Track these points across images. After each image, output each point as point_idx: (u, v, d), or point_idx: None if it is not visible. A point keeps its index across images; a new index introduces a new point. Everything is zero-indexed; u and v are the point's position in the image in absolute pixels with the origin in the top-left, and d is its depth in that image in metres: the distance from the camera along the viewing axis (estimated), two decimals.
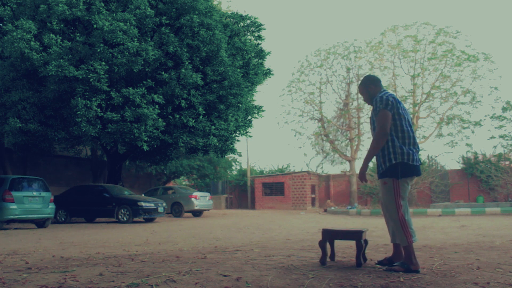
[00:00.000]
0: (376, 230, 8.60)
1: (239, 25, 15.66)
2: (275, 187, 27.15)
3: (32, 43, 11.71)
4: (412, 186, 18.41)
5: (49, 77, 11.87)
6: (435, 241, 6.09)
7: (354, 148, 26.15)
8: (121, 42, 11.95)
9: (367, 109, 26.14)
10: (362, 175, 3.73)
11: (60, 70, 11.50)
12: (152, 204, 13.89)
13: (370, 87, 3.83)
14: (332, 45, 27.86)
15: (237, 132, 15.71)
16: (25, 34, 11.60)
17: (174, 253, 5.04)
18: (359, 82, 3.88)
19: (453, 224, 9.94)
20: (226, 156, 21.11)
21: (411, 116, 24.31)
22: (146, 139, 12.58)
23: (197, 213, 18.49)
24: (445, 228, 8.76)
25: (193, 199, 17.61)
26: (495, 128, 22.74)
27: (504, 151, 22.82)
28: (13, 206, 10.78)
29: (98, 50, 11.88)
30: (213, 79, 13.75)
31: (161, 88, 12.93)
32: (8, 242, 7.44)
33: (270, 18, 67.35)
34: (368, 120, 26.36)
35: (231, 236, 7.95)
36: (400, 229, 3.51)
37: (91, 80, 11.69)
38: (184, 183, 29.31)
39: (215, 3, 17.27)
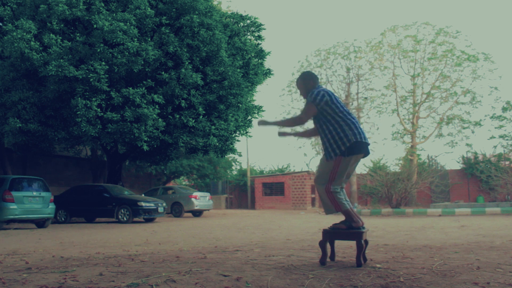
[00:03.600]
0: (376, 230, 8.60)
1: (239, 25, 15.65)
2: (275, 187, 27.15)
3: (32, 43, 11.71)
4: (412, 186, 18.41)
5: (49, 77, 11.87)
6: (435, 241, 6.09)
7: None
8: (121, 42, 11.94)
9: (367, 109, 26.17)
10: (262, 122, 3.86)
11: (60, 70, 11.50)
12: (152, 204, 13.88)
13: (309, 82, 3.92)
14: (332, 45, 27.89)
15: (237, 132, 15.71)
16: (25, 34, 11.60)
17: (174, 253, 5.04)
18: (299, 76, 3.97)
19: (453, 224, 9.94)
20: (226, 156, 21.11)
21: (411, 116, 24.42)
22: (146, 139, 12.58)
23: (197, 213, 18.48)
24: (445, 228, 8.76)
25: (193, 199, 17.60)
26: (495, 128, 22.78)
27: (504, 151, 22.84)
28: (13, 206, 10.78)
29: (98, 50, 11.88)
30: (213, 79, 13.75)
31: (161, 88, 12.93)
32: (8, 242, 7.44)
33: (270, 18, 67.38)
34: (367, 120, 26.43)
35: (231, 236, 7.95)
36: (328, 200, 3.69)
37: (91, 80, 11.69)
38: (184, 183, 29.31)
39: (215, 3, 17.28)
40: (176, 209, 17.70)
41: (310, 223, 12.12)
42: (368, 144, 3.76)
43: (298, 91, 4.07)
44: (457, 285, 2.94)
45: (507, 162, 22.35)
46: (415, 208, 17.40)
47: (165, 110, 13.37)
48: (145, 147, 12.79)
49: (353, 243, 5.24)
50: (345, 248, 5.10)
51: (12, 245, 6.73)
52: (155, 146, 13.68)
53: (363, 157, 3.79)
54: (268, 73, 16.52)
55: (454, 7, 58.57)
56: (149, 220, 14.42)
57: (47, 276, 3.53)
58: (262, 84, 16.46)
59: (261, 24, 15.73)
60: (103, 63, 11.88)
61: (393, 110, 25.03)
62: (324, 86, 3.83)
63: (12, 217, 10.83)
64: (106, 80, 12.02)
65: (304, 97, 3.96)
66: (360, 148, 3.67)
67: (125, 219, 13.50)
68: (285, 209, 25.47)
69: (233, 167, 29.45)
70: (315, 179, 3.84)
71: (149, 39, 12.90)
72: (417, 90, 24.50)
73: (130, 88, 12.32)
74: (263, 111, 16.35)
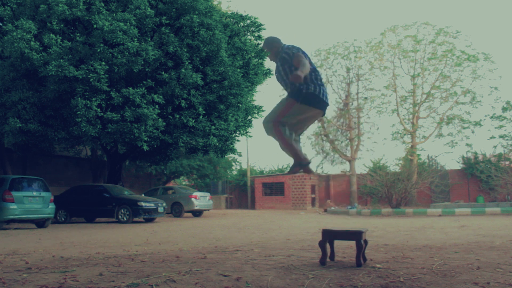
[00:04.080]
0: (376, 230, 8.60)
1: (239, 25, 15.64)
2: (275, 187, 27.15)
3: (32, 43, 11.70)
4: (412, 186, 18.41)
5: (49, 77, 11.86)
6: (435, 241, 6.09)
7: (354, 148, 26.16)
8: (121, 42, 11.94)
9: (367, 109, 26.17)
10: (297, 77, 3.78)
11: (60, 70, 11.50)
12: (152, 204, 13.88)
13: (274, 45, 4.14)
14: (332, 45, 27.91)
15: (237, 132, 15.70)
16: (25, 34, 11.59)
17: (174, 253, 5.04)
18: (264, 43, 4.17)
19: (453, 224, 9.94)
20: (226, 156, 21.13)
21: (411, 116, 24.43)
22: (146, 139, 12.58)
23: (197, 213, 18.48)
24: (445, 228, 8.76)
25: (193, 199, 17.60)
26: (495, 128, 22.78)
27: (504, 151, 22.84)
28: (13, 206, 10.78)
29: (98, 50, 11.88)
30: (213, 79, 13.75)
31: (161, 88, 12.93)
32: (8, 242, 7.44)
33: (270, 18, 67.36)
34: (367, 120, 26.43)
35: (231, 236, 7.95)
36: (275, 136, 3.85)
37: (91, 80, 11.68)
38: (184, 183, 29.29)
39: (215, 3, 17.26)
40: (176, 209, 17.69)
41: (310, 223, 12.12)
42: (327, 104, 3.95)
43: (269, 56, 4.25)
44: (457, 285, 2.94)
45: (507, 162, 22.34)
46: (415, 208, 17.40)
47: (165, 110, 13.36)
48: (145, 147, 12.79)
49: (353, 243, 5.24)
50: (345, 248, 5.11)
51: (12, 245, 6.73)
52: (155, 146, 13.68)
53: (321, 115, 4.01)
54: (268, 73, 16.50)
55: (454, 7, 58.58)
56: (149, 220, 14.42)
57: (47, 276, 3.53)
58: (262, 84, 16.45)
59: (261, 24, 15.72)
60: (103, 63, 11.88)
61: (393, 110, 25.04)
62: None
63: (12, 217, 10.83)
64: (106, 80, 12.01)
65: (273, 59, 4.15)
66: (315, 101, 3.84)
67: (125, 219, 13.50)
68: (285, 209, 25.47)
69: (233, 167, 29.44)
70: (265, 118, 3.99)
71: (149, 39, 12.89)
72: (417, 90, 24.50)
73: (130, 88, 12.31)
74: (263, 111, 16.34)
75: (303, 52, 3.94)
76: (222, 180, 28.27)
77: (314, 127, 27.34)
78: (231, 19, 15.61)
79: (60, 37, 12.07)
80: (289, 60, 3.90)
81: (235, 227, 10.70)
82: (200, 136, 13.94)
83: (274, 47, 4.12)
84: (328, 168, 46.35)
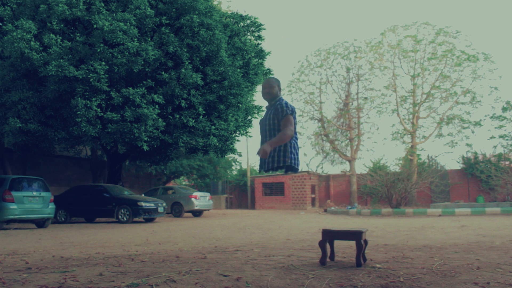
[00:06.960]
0: (376, 230, 8.60)
1: (239, 25, 15.65)
2: (275, 187, 27.15)
3: (32, 43, 11.71)
4: (412, 186, 18.44)
5: (49, 77, 11.87)
6: (435, 241, 6.09)
7: (354, 148, 26.17)
8: (121, 42, 11.94)
9: (367, 109, 26.17)
10: (264, 153, 3.70)
11: (60, 70, 11.50)
12: (152, 204, 13.88)
13: (278, 88, 4.00)
14: (332, 45, 27.94)
15: (237, 132, 15.71)
16: (25, 34, 11.60)
17: (174, 253, 5.05)
18: (274, 78, 4.02)
19: (453, 224, 9.94)
20: (226, 156, 21.13)
21: (411, 116, 24.43)
22: (146, 139, 12.58)
23: (197, 213, 18.48)
24: (445, 228, 8.76)
25: (193, 199, 17.60)
26: (495, 128, 22.78)
27: (504, 151, 22.84)
28: (13, 206, 10.78)
29: (98, 50, 11.88)
30: (213, 79, 13.75)
31: (161, 88, 12.93)
32: (8, 242, 7.44)
33: (270, 18, 67.35)
34: (367, 120, 26.44)
35: (231, 236, 7.95)
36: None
37: (91, 80, 11.68)
38: (184, 183, 29.31)
39: (215, 3, 17.27)
40: (176, 209, 17.69)
41: (310, 223, 12.11)
42: (297, 170, 3.94)
43: (266, 89, 4.04)
44: (457, 285, 2.94)
45: (507, 162, 22.34)
46: (415, 208, 17.40)
47: (165, 110, 13.37)
48: (145, 147, 12.79)
49: (353, 243, 5.25)
50: (345, 248, 5.11)
51: (12, 245, 6.73)
52: (155, 146, 13.68)
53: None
54: (268, 73, 16.51)
55: (454, 7, 58.58)
56: (149, 220, 14.42)
57: (47, 276, 3.53)
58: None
59: (261, 24, 15.72)
60: (103, 63, 11.88)
61: (393, 110, 25.04)
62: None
63: (12, 217, 10.83)
64: (106, 80, 12.01)
65: (266, 97, 3.99)
66: (287, 170, 3.87)
67: (125, 219, 13.49)
68: (285, 209, 25.46)
69: (233, 167, 29.48)
70: None
71: (149, 39, 12.89)
72: (417, 90, 24.50)
73: (130, 88, 12.31)
74: (263, 111, 16.34)
75: (294, 117, 3.85)
76: (222, 180, 28.29)
77: (314, 127, 27.35)
78: (231, 19, 15.61)
79: (60, 37, 12.08)
80: (279, 115, 3.82)
81: (235, 227, 10.70)
82: (200, 136, 13.94)
83: (276, 89, 3.96)
84: (328, 168, 46.39)
